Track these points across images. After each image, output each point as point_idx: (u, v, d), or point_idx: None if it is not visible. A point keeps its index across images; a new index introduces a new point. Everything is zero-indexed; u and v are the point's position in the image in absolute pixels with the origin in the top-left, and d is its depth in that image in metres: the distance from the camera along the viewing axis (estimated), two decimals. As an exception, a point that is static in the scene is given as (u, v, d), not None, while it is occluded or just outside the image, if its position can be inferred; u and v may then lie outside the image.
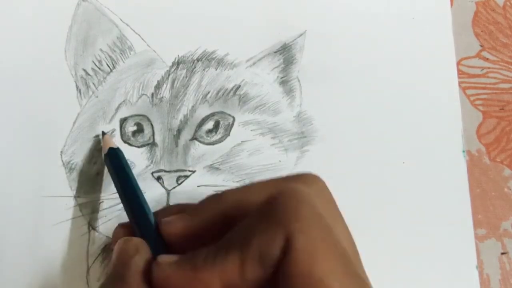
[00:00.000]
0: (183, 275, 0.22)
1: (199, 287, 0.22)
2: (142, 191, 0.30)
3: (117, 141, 0.34)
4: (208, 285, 0.22)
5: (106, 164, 0.32)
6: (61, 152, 0.34)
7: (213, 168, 0.35)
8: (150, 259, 0.25)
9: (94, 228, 0.33)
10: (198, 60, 0.37)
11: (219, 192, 0.26)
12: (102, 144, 0.33)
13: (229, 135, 0.35)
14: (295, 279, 0.20)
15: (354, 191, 0.36)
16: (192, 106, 0.35)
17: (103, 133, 0.34)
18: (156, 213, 0.28)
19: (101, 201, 0.34)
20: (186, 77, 0.36)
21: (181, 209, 0.27)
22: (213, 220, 0.25)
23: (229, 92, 0.36)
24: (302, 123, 0.37)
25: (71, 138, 0.34)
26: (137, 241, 0.26)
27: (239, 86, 0.36)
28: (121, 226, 0.29)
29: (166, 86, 0.36)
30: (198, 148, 0.35)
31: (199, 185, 0.34)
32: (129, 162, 0.34)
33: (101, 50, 0.36)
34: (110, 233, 0.33)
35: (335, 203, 0.25)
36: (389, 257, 0.35)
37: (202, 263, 0.22)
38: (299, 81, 0.37)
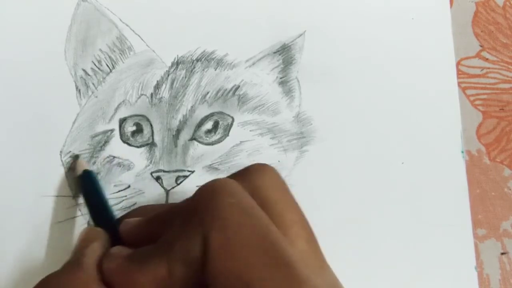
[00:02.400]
0: (124, 271, 0.23)
1: (135, 287, 0.22)
2: (142, 190, 0.31)
3: (117, 143, 0.34)
4: (142, 286, 0.22)
5: (80, 186, 0.33)
6: (61, 152, 0.34)
7: (212, 168, 0.35)
8: (108, 250, 0.26)
9: (93, 228, 0.33)
10: (197, 60, 0.37)
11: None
12: (75, 167, 0.33)
13: (228, 135, 0.36)
14: (217, 278, 0.21)
15: (353, 191, 0.36)
16: (191, 106, 0.35)
17: (77, 157, 0.34)
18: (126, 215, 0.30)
19: (100, 201, 0.34)
20: (186, 77, 0.36)
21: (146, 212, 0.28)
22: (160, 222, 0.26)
23: (228, 92, 0.36)
24: (301, 123, 0.37)
25: (71, 138, 0.34)
26: (97, 230, 0.28)
27: (238, 86, 0.36)
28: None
29: (166, 86, 0.36)
30: (197, 148, 0.35)
31: (198, 185, 0.34)
32: (128, 162, 0.34)
33: (100, 50, 0.36)
34: (109, 233, 0.33)
35: (285, 189, 0.25)
36: (388, 257, 0.35)
37: (137, 265, 0.23)
38: (298, 81, 0.37)
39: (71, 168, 0.34)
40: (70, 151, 0.34)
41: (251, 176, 0.25)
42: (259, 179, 0.25)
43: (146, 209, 0.30)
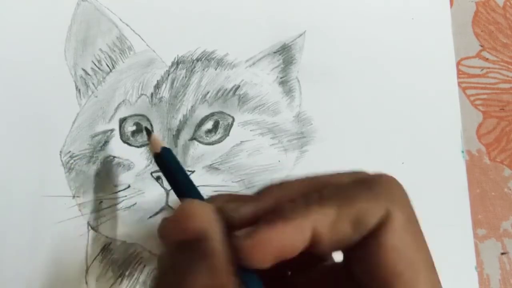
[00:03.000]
0: (273, 232, 0.20)
1: (293, 234, 0.21)
2: (142, 190, 0.30)
3: (117, 142, 0.34)
4: (301, 232, 0.21)
5: (158, 164, 0.30)
6: (61, 152, 0.34)
7: (212, 168, 0.35)
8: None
9: (93, 228, 0.33)
10: (197, 60, 0.37)
11: (277, 181, 0.24)
12: (150, 144, 0.31)
13: (228, 135, 0.35)
14: (388, 253, 0.21)
15: (353, 191, 0.36)
16: (192, 106, 0.35)
17: (149, 132, 0.32)
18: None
19: (100, 201, 0.34)
20: (186, 77, 0.36)
21: (235, 198, 0.24)
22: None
23: (229, 92, 0.36)
24: (301, 123, 0.37)
25: (71, 138, 0.34)
26: (206, 204, 0.23)
27: (239, 86, 0.36)
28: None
29: (166, 86, 0.36)
30: (197, 148, 0.35)
31: (198, 185, 0.34)
32: (128, 162, 0.34)
33: (100, 50, 0.36)
34: (109, 233, 0.33)
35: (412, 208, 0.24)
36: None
37: (292, 214, 0.21)
38: (298, 81, 0.37)
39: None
40: (70, 151, 0.34)
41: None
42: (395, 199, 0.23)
43: (236, 197, 0.24)
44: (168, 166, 0.29)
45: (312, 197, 0.22)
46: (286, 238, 0.21)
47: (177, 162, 0.29)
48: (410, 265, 0.21)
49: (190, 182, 0.27)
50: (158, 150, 0.29)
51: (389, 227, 0.21)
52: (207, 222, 0.21)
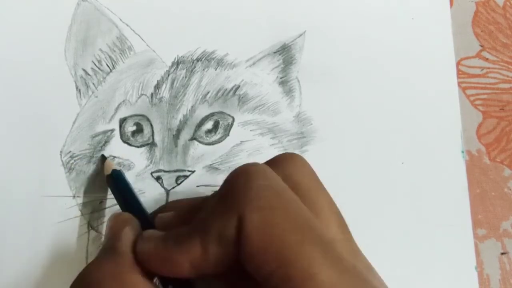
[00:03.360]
0: (159, 253, 0.24)
1: (171, 266, 0.23)
2: (142, 190, 0.32)
3: (117, 143, 0.34)
4: (178, 265, 0.23)
5: (109, 185, 0.33)
6: (61, 152, 0.34)
7: (212, 168, 0.35)
8: (140, 233, 0.26)
9: (93, 228, 0.33)
10: (197, 60, 0.37)
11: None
12: (103, 167, 0.33)
13: (228, 135, 0.35)
14: (254, 257, 0.21)
15: (353, 191, 0.36)
16: (192, 106, 0.35)
17: (104, 157, 0.34)
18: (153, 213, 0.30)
19: (100, 201, 0.34)
20: (186, 77, 0.36)
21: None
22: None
23: (229, 92, 0.36)
24: (301, 123, 0.37)
25: (71, 138, 0.34)
26: (126, 215, 0.28)
27: (239, 86, 0.36)
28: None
29: (166, 86, 0.36)
30: (197, 148, 0.35)
31: (199, 185, 0.34)
32: (128, 162, 0.34)
33: (100, 50, 0.36)
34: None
35: (315, 176, 0.26)
36: (388, 257, 0.35)
37: (172, 245, 0.23)
38: (298, 81, 0.37)
39: (99, 169, 0.34)
40: (70, 151, 0.34)
41: (282, 164, 0.25)
42: (289, 166, 0.25)
43: (177, 204, 0.30)
44: (118, 186, 0.32)
45: (187, 229, 0.24)
46: (168, 265, 0.23)
47: (127, 183, 0.32)
48: (277, 255, 0.21)
49: (137, 200, 0.31)
50: (109, 172, 0.32)
51: (243, 233, 0.21)
52: (120, 229, 0.26)
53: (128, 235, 0.26)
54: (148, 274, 0.24)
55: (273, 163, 0.25)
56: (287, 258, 0.20)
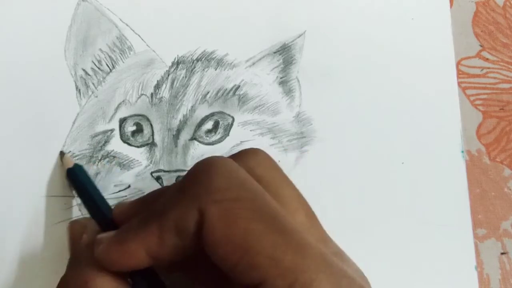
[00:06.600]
0: (115, 249, 0.23)
1: (127, 258, 0.23)
2: (142, 190, 0.31)
3: (117, 142, 0.34)
4: (134, 255, 0.23)
5: (69, 181, 0.33)
6: (61, 152, 0.34)
7: (212, 168, 0.35)
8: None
9: (93, 228, 0.33)
10: (197, 60, 0.37)
11: None
12: (62, 163, 0.33)
13: (228, 135, 0.36)
14: (216, 248, 0.21)
15: (353, 191, 0.36)
16: (192, 106, 0.35)
17: (62, 153, 0.34)
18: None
19: (100, 201, 0.34)
20: (186, 77, 0.36)
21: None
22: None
23: (229, 92, 0.36)
24: (301, 123, 0.37)
25: (71, 138, 0.34)
26: (82, 221, 0.29)
27: (239, 86, 0.36)
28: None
29: (166, 86, 0.36)
30: (197, 148, 0.35)
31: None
32: (128, 162, 0.34)
33: (100, 50, 0.36)
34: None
35: (279, 168, 0.26)
36: (388, 257, 0.35)
37: (126, 236, 0.23)
38: (298, 81, 0.37)
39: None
40: (70, 151, 0.34)
41: (245, 157, 0.25)
42: (252, 160, 0.25)
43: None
44: (78, 180, 0.32)
45: (143, 217, 0.23)
46: (125, 257, 0.23)
47: (88, 177, 0.32)
48: (241, 244, 0.21)
49: (98, 195, 0.31)
50: (71, 165, 0.32)
51: (205, 225, 0.21)
52: (78, 237, 0.27)
53: (86, 242, 0.26)
54: (119, 275, 0.24)
55: (237, 157, 0.25)
56: (251, 247, 0.20)
